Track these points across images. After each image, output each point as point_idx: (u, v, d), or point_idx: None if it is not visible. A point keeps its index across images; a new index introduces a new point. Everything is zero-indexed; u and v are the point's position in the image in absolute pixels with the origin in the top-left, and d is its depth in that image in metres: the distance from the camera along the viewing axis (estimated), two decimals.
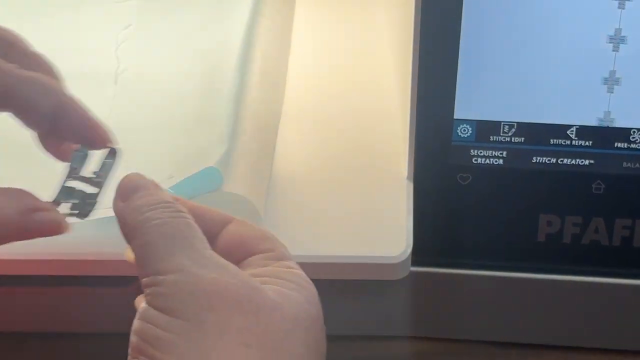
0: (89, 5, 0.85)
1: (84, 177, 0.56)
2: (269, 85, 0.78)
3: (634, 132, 0.66)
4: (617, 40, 0.64)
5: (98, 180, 0.56)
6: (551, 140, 0.67)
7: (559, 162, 0.67)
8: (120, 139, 0.71)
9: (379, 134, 0.74)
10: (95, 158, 0.57)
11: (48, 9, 0.86)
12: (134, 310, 0.50)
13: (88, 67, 0.79)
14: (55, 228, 0.57)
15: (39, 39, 0.77)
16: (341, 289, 0.69)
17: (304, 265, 0.67)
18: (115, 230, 0.54)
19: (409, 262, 0.67)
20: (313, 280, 0.67)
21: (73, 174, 0.56)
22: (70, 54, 0.78)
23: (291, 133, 0.77)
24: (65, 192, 0.55)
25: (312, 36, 0.86)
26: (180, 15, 0.84)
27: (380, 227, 0.69)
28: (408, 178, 0.70)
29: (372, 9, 0.86)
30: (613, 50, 0.64)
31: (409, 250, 0.67)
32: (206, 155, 0.68)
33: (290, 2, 0.88)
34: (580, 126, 0.66)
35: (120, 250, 0.55)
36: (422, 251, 0.69)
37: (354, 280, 0.68)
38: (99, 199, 0.55)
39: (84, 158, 0.56)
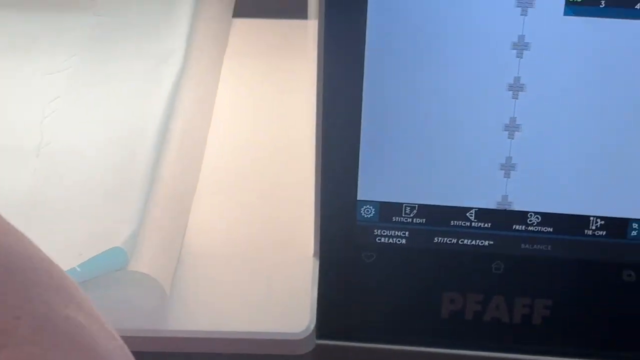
0: (19, 78, 0.85)
1: None
2: (187, 160, 0.79)
3: (531, 215, 0.67)
4: (512, 128, 0.65)
5: None
6: (451, 222, 0.68)
7: (459, 242, 0.68)
8: (37, 214, 0.73)
9: (292, 209, 0.75)
10: None
11: None
12: None
13: (13, 140, 0.79)
14: None
15: None
16: None
17: (211, 341, 0.69)
18: None
19: (314, 337, 0.69)
20: (219, 355, 0.69)
21: None
22: None
23: (205, 206, 0.78)
24: None
25: (236, 99, 0.86)
26: (109, 87, 0.83)
27: (286, 303, 0.70)
28: (314, 255, 0.71)
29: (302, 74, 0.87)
30: (509, 138, 0.66)
31: (312, 326, 0.68)
32: (114, 234, 0.69)
33: (217, 65, 0.88)
34: (479, 209, 0.68)
35: None
36: (328, 326, 0.70)
37: (260, 355, 0.69)
38: None
39: None
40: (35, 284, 0.49)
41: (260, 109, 0.85)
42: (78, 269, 0.67)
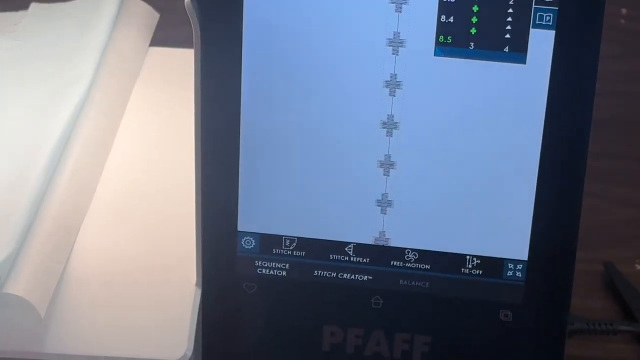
0: None
1: None
2: (78, 185, 0.79)
3: (408, 251, 0.67)
4: (387, 165, 0.66)
5: None
6: (330, 256, 0.68)
7: (338, 276, 0.69)
8: None
9: (179, 238, 0.75)
10: None
11: None
12: None
13: None
14: None
15: None
16: None
17: None
18: None
19: None
20: None
21: None
22: None
23: (94, 233, 0.78)
24: None
25: (139, 127, 0.87)
26: (13, 110, 0.84)
27: (166, 329, 0.71)
28: (197, 285, 0.71)
29: None
30: (384, 175, 0.66)
31: (189, 353, 0.69)
32: None
33: (125, 92, 0.89)
34: (358, 244, 0.68)
35: None
36: (211, 354, 0.71)
37: None
38: None
39: None
40: None
41: (159, 138, 0.86)
42: None
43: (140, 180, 0.83)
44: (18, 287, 0.69)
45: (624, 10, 1.06)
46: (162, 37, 0.95)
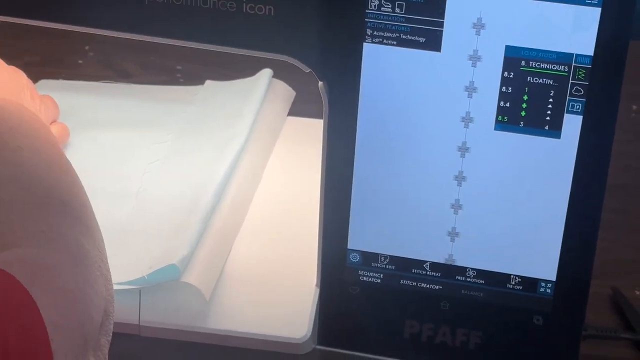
0: (134, 144, 0.87)
1: None
2: (235, 209, 0.80)
3: (469, 270, 0.68)
4: (456, 206, 0.67)
5: None
6: (413, 270, 0.69)
7: (418, 285, 0.69)
8: (129, 237, 0.76)
9: (306, 251, 0.75)
10: None
11: (103, 134, 0.88)
12: None
13: (123, 185, 0.82)
14: None
15: (88, 156, 0.82)
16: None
17: (236, 338, 0.70)
18: None
19: (311, 342, 0.71)
20: (240, 349, 0.69)
21: None
22: (109, 175, 0.83)
23: (245, 242, 0.79)
24: None
25: (278, 172, 0.87)
26: (190, 155, 0.85)
27: (293, 317, 0.71)
28: (316, 285, 0.72)
29: None
30: (454, 214, 0.67)
31: (309, 334, 0.70)
32: (173, 255, 0.71)
33: (269, 146, 0.89)
34: (432, 262, 0.68)
35: None
36: (324, 336, 0.71)
37: (272, 352, 0.70)
38: None
39: None
40: (69, 215, 0.53)
41: (293, 179, 0.86)
42: (146, 277, 0.70)
43: (280, 207, 0.83)
44: (191, 277, 0.71)
45: (634, 107, 1.03)
46: (296, 109, 0.95)
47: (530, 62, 0.62)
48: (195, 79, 1.00)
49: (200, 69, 1.03)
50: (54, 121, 0.83)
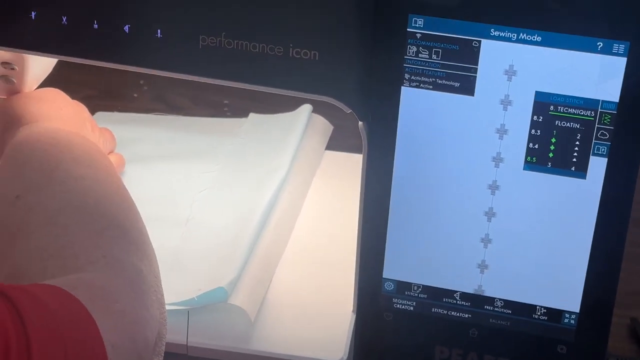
0: (184, 174, 0.87)
1: None
2: (278, 235, 0.80)
3: (497, 300, 0.67)
4: (486, 240, 0.66)
5: None
6: (444, 299, 0.68)
7: (449, 313, 0.68)
8: (179, 262, 0.76)
9: (344, 278, 0.74)
10: None
11: (156, 164, 0.88)
12: None
13: (173, 212, 0.82)
14: None
15: (142, 184, 0.82)
16: None
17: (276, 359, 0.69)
18: None
19: None
20: None
21: None
22: (161, 202, 0.83)
23: (288, 269, 0.79)
24: None
25: (316, 203, 0.87)
26: (236, 185, 0.85)
27: (330, 340, 0.71)
28: (353, 311, 0.72)
29: None
30: (484, 247, 0.66)
31: (345, 357, 0.70)
32: (222, 278, 0.71)
33: (309, 178, 0.89)
34: (463, 292, 0.68)
35: None
36: (361, 357, 0.71)
37: None
38: None
39: None
40: (128, 242, 0.54)
41: (332, 211, 0.86)
42: (195, 299, 0.70)
43: (319, 236, 0.83)
44: (238, 299, 0.71)
45: None
46: (333, 142, 0.95)
47: (559, 107, 0.62)
48: (241, 113, 1.00)
49: (246, 104, 1.03)
50: (111, 152, 0.84)
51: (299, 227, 0.84)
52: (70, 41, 0.67)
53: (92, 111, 0.95)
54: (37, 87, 0.79)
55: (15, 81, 0.76)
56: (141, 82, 1.10)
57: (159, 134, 0.92)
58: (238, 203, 0.83)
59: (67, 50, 0.68)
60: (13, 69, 0.75)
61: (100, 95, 1.08)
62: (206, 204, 0.84)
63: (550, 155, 0.63)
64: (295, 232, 0.83)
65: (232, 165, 0.88)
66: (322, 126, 0.94)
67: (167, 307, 0.69)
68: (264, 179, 0.85)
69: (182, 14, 0.65)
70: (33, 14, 0.67)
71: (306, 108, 0.94)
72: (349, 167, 0.86)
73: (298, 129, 0.91)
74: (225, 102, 1.07)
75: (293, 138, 0.89)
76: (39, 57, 0.71)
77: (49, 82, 0.84)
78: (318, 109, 0.95)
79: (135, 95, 1.09)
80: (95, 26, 0.66)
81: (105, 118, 0.94)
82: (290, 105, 0.96)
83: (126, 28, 0.66)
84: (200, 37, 0.65)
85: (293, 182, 0.86)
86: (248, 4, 0.63)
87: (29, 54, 0.71)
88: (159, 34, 0.66)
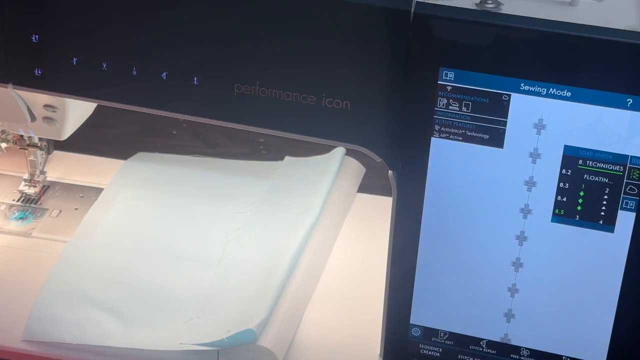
0: (217, 214, 0.87)
1: None
2: (308, 277, 0.80)
3: (523, 349, 0.67)
4: (513, 290, 0.65)
5: None
6: (470, 346, 0.68)
7: None
8: (210, 302, 0.75)
9: (371, 323, 0.73)
10: None
11: (192, 204, 0.88)
12: None
13: (206, 252, 0.82)
14: None
15: (177, 223, 0.82)
16: None
17: None
18: None
19: None
20: None
21: None
22: (194, 241, 0.83)
23: (318, 309, 0.78)
24: None
25: (346, 245, 0.87)
26: (269, 226, 0.85)
27: None
28: (380, 355, 0.71)
29: None
30: (511, 297, 0.65)
31: None
32: (251, 320, 0.71)
33: (340, 220, 0.89)
34: (489, 340, 0.67)
35: None
36: None
37: None
38: None
39: None
40: None
41: (360, 255, 0.85)
42: (225, 340, 0.70)
43: (348, 279, 0.82)
44: (267, 341, 0.71)
45: None
46: (366, 183, 0.95)
47: (588, 161, 0.61)
48: (275, 151, 1.00)
49: (281, 142, 1.03)
50: None
51: (329, 269, 0.83)
52: (110, 86, 0.68)
53: (134, 147, 0.97)
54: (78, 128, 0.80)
55: (57, 123, 0.77)
56: (180, 119, 1.10)
57: (197, 174, 0.93)
58: (270, 243, 0.83)
59: (106, 95, 0.69)
60: (55, 111, 0.75)
61: (140, 132, 1.09)
62: (239, 243, 0.84)
63: (579, 208, 0.62)
64: (325, 274, 0.83)
65: (266, 206, 0.88)
66: (355, 169, 0.94)
67: (197, 348, 0.69)
68: (296, 220, 0.85)
69: (219, 62, 0.65)
70: (75, 59, 0.67)
71: (339, 151, 0.94)
72: (380, 210, 0.84)
73: (331, 172, 0.91)
74: (261, 140, 1.07)
75: (326, 180, 0.89)
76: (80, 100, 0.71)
77: (91, 118, 0.85)
78: (351, 150, 0.92)
79: (174, 132, 1.10)
80: (134, 73, 0.67)
81: (146, 158, 0.95)
82: (325, 145, 0.94)
83: (164, 75, 0.66)
84: (235, 85, 0.65)
85: (324, 223, 0.86)
86: (282, 55, 0.64)
87: (70, 98, 0.71)
88: (195, 82, 0.66)
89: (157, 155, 0.95)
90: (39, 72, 0.68)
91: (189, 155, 0.96)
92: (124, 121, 1.08)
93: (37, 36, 0.67)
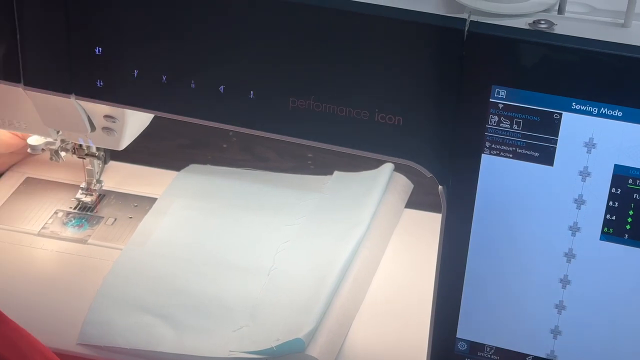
0: (267, 226, 0.88)
1: None
2: (356, 289, 0.80)
3: None
4: (560, 307, 0.65)
5: None
6: None
7: None
8: (259, 311, 0.76)
9: (419, 335, 0.73)
10: None
11: (243, 215, 0.88)
12: None
13: (257, 263, 0.83)
14: None
15: (228, 234, 0.83)
16: None
17: None
18: None
19: None
20: None
21: None
22: (244, 252, 0.84)
23: (365, 321, 0.79)
24: None
25: (394, 260, 0.87)
26: (318, 238, 0.85)
27: None
28: None
29: None
30: (558, 313, 0.65)
31: None
32: (300, 329, 0.72)
33: (388, 234, 0.89)
34: (535, 356, 0.67)
35: None
36: None
37: None
38: None
39: None
40: None
41: (408, 269, 0.85)
42: (274, 348, 0.71)
43: (395, 292, 0.82)
44: (315, 351, 0.71)
45: None
46: (412, 199, 0.95)
47: (637, 181, 0.61)
48: (324, 167, 1.01)
49: (329, 158, 1.03)
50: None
51: (376, 282, 0.84)
52: (168, 99, 0.69)
53: (186, 159, 0.99)
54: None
55: (116, 133, 0.78)
56: (230, 133, 1.12)
57: (247, 186, 0.94)
58: (319, 255, 0.83)
59: (165, 107, 0.70)
60: (115, 122, 0.77)
61: (192, 144, 1.10)
62: (288, 255, 0.84)
63: (627, 227, 0.62)
64: (373, 287, 0.83)
65: (315, 219, 0.89)
66: (403, 185, 0.94)
67: (246, 355, 0.70)
68: (344, 233, 0.85)
69: (275, 77, 0.66)
70: (135, 72, 0.69)
71: (388, 166, 0.94)
72: (427, 225, 0.85)
73: (379, 187, 0.91)
74: (309, 155, 1.08)
75: (374, 195, 0.90)
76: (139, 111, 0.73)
77: (145, 130, 0.86)
78: (399, 166, 0.95)
79: (224, 145, 1.11)
80: (193, 85, 0.68)
81: (198, 170, 0.96)
82: (372, 160, 0.95)
83: (221, 88, 0.68)
84: (290, 99, 0.66)
85: (373, 237, 0.86)
86: (337, 71, 0.64)
87: (130, 109, 0.73)
88: (251, 95, 0.67)
89: (208, 167, 0.96)
90: (101, 84, 0.70)
91: (240, 168, 0.96)
92: (176, 134, 1.10)
93: (100, 49, 0.69)
